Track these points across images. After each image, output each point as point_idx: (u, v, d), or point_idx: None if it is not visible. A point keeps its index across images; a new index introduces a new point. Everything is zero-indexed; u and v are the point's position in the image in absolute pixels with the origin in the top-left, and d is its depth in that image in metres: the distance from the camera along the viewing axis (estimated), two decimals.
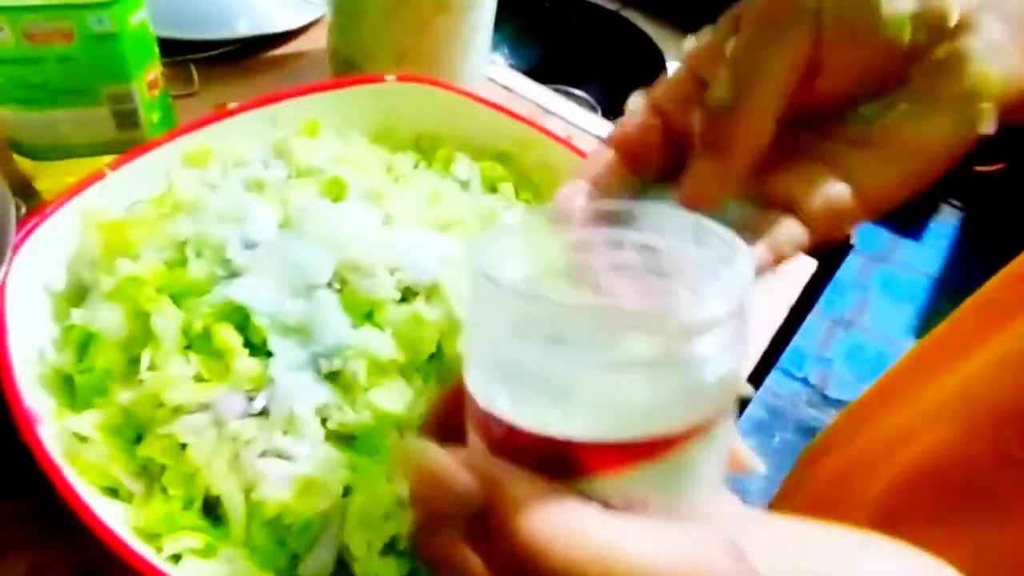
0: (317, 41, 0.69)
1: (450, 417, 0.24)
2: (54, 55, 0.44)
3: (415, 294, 0.39)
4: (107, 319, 0.36)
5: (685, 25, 0.99)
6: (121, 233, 0.39)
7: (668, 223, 0.24)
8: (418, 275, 0.39)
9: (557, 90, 0.75)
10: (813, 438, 0.50)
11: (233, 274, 0.37)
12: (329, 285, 0.38)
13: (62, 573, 0.37)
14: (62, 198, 0.40)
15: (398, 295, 0.38)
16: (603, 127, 0.70)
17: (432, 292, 0.39)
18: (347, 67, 0.60)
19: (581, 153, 0.50)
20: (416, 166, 0.50)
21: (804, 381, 1.74)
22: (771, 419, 1.64)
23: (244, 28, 0.66)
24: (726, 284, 0.21)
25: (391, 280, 0.38)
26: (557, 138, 0.51)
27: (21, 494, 0.39)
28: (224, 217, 0.40)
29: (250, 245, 0.38)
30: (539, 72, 0.76)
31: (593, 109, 0.79)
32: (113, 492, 0.34)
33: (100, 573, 0.37)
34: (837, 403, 1.70)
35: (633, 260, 0.24)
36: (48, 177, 0.51)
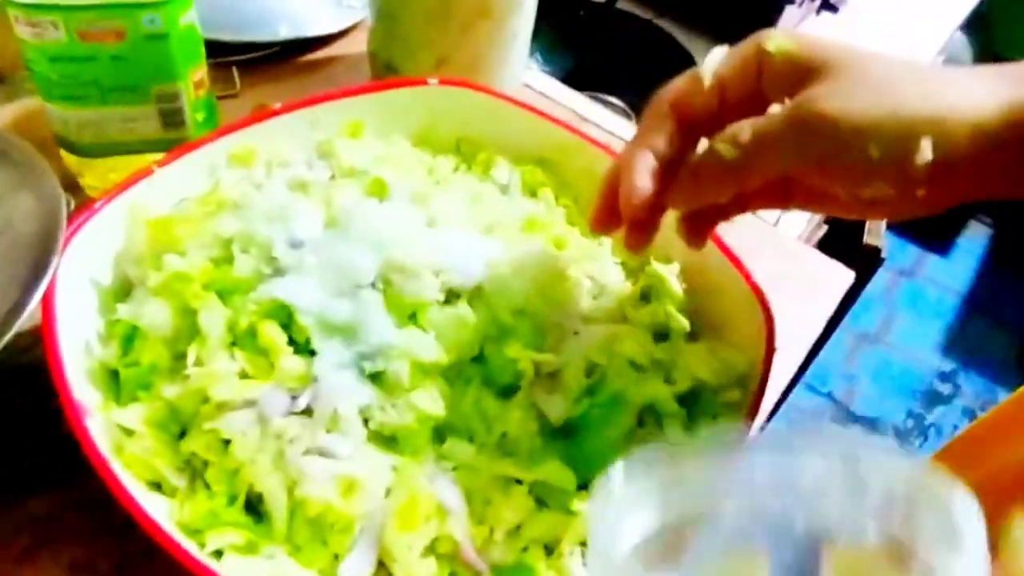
0: (355, 45, 0.70)
1: None
2: (106, 54, 0.45)
3: (458, 296, 0.39)
4: (154, 315, 0.37)
5: (717, 34, 0.99)
6: (167, 230, 0.40)
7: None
8: (462, 277, 0.39)
9: (592, 97, 0.75)
10: None
11: (278, 272, 0.38)
12: (373, 285, 0.38)
13: (107, 566, 0.37)
14: (111, 194, 0.40)
15: (442, 297, 0.38)
16: None
17: (475, 295, 0.39)
18: (387, 70, 0.61)
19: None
20: (456, 169, 0.51)
21: (829, 396, 1.72)
22: None
23: (285, 31, 0.67)
24: None
25: (435, 282, 0.38)
26: (597, 143, 0.51)
27: (63, 486, 0.40)
28: (269, 216, 0.40)
29: (296, 244, 0.38)
30: (573, 79, 0.76)
31: (627, 116, 0.78)
32: (157, 486, 0.35)
33: (145, 567, 0.37)
34: (861, 419, 1.68)
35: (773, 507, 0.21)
36: (93, 173, 0.52)
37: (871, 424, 1.66)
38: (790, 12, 0.92)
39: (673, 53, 0.89)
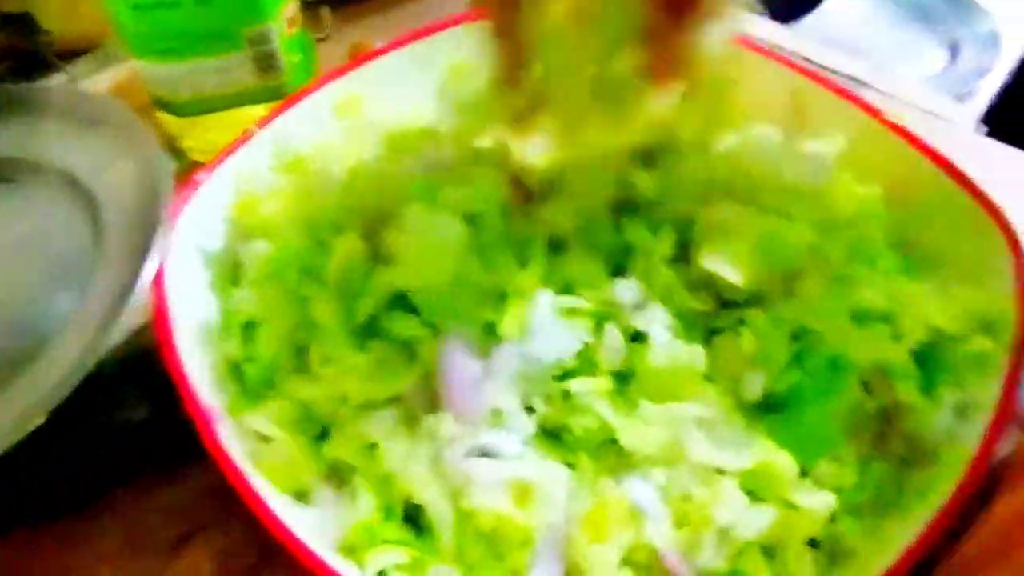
0: None
1: None
2: None
3: None
4: (261, 304, 0.31)
5: None
6: (253, 211, 0.34)
7: None
8: None
9: None
10: None
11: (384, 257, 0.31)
12: None
13: (252, 557, 0.33)
14: (213, 161, 0.35)
15: None
16: None
17: None
18: None
19: None
20: None
21: None
22: None
23: None
24: None
25: None
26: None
27: (198, 471, 0.36)
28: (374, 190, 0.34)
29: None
30: None
31: None
32: (299, 495, 0.30)
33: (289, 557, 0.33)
34: None
35: None
36: (192, 135, 0.48)
37: None
38: None
39: None
